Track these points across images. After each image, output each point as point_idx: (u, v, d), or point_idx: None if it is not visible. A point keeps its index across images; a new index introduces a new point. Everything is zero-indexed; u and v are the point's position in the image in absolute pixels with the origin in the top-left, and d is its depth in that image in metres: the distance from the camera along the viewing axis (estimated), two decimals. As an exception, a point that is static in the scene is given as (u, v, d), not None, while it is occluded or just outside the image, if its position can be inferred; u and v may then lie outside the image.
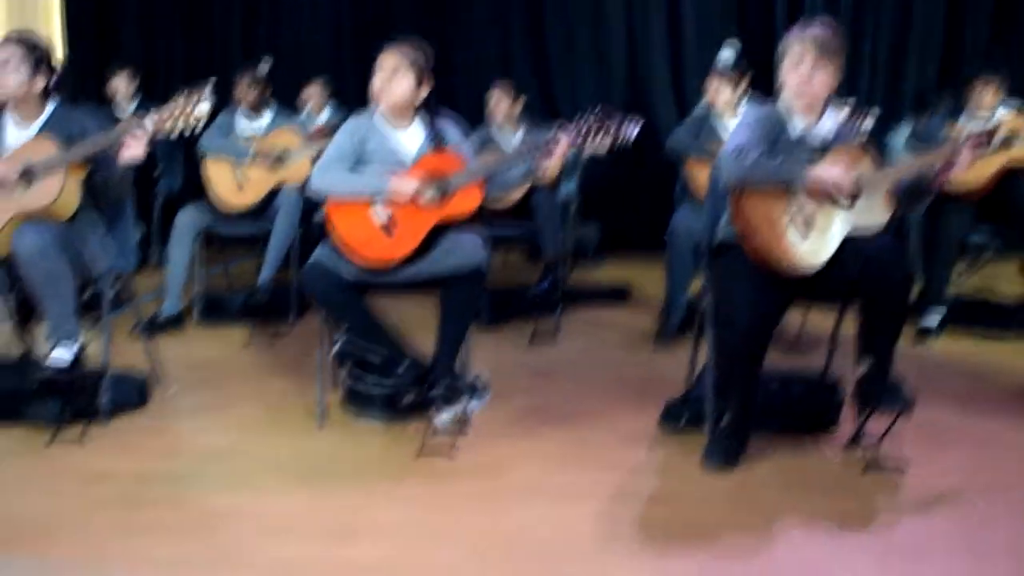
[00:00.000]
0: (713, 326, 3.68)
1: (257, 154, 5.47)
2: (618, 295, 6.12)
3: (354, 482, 3.36)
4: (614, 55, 7.76)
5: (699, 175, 5.19)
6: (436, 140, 3.87)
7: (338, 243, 3.70)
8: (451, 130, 3.95)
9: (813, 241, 3.37)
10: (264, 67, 5.83)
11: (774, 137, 3.48)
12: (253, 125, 5.68)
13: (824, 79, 3.45)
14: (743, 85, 5.44)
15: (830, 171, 3.36)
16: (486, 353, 4.55)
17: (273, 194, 5.46)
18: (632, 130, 3.80)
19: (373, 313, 3.72)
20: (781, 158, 3.38)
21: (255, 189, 5.47)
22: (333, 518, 3.08)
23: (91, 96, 6.93)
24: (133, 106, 6.85)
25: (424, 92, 3.85)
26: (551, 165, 3.80)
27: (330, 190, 3.76)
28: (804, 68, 3.43)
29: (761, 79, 5.19)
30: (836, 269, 3.37)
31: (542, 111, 7.26)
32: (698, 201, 5.00)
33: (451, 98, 6.89)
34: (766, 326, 3.42)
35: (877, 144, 5.93)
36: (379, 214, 3.71)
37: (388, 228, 3.70)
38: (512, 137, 5.70)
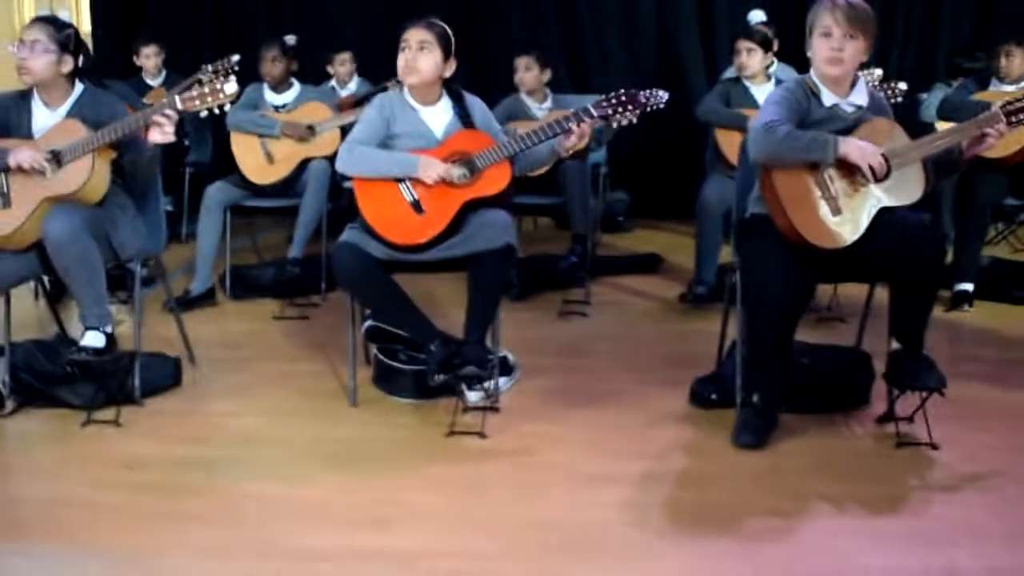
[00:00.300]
0: (743, 302, 3.65)
1: (285, 127, 5.46)
2: (648, 264, 6.09)
3: (385, 465, 3.37)
4: (644, 26, 7.65)
5: (729, 143, 5.13)
6: (464, 118, 3.85)
7: (367, 222, 3.69)
8: (478, 107, 3.92)
9: (845, 217, 3.33)
10: (290, 40, 5.80)
11: (804, 111, 3.42)
12: (280, 99, 5.66)
13: (855, 50, 3.36)
14: (774, 47, 5.35)
15: (860, 146, 3.30)
16: (516, 327, 4.55)
17: (302, 167, 5.45)
18: (661, 98, 3.76)
19: (403, 294, 3.71)
20: (811, 133, 3.33)
21: (284, 163, 5.46)
22: (364, 504, 3.09)
23: (118, 72, 6.92)
24: (160, 80, 6.84)
25: (451, 68, 3.82)
26: (574, 145, 3.75)
27: (358, 170, 3.73)
28: (834, 39, 3.35)
29: (791, 52, 5.11)
30: (869, 244, 3.32)
31: (572, 82, 7.20)
32: (728, 169, 4.96)
33: (482, 75, 6.85)
34: (797, 301, 3.38)
35: (908, 114, 5.84)
36: (408, 192, 3.70)
37: (418, 206, 3.69)
38: (539, 108, 5.65)
